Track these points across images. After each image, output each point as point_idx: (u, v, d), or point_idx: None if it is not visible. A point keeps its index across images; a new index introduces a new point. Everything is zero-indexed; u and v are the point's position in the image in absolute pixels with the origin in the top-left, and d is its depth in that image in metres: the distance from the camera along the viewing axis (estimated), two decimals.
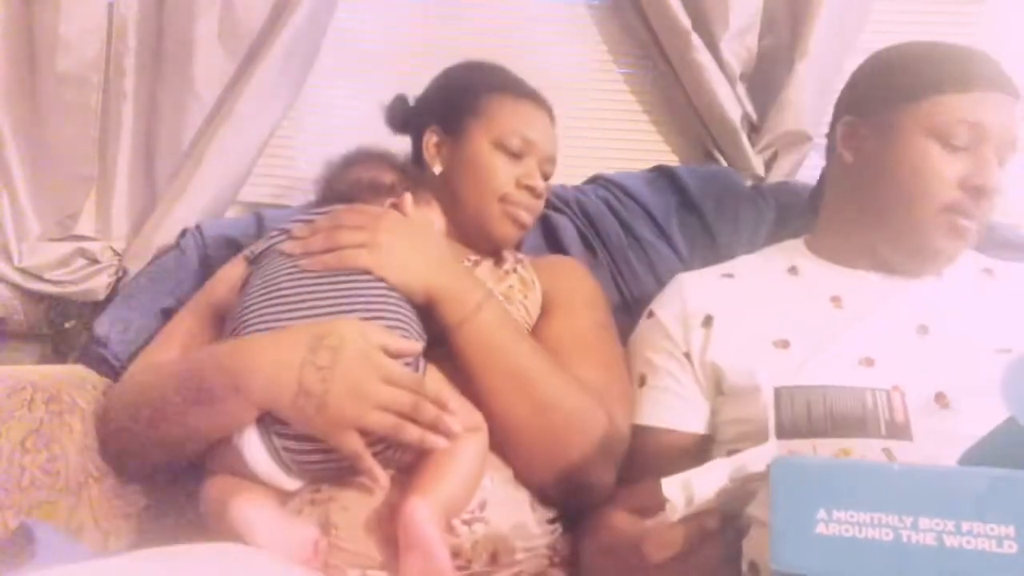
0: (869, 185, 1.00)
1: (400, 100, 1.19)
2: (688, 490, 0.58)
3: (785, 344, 0.92)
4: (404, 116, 1.18)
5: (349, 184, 1.02)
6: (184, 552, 0.67)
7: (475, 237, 1.10)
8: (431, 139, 1.12)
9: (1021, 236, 1.24)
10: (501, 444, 0.88)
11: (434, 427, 0.80)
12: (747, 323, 0.96)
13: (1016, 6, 1.52)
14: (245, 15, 1.46)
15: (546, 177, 1.13)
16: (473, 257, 1.10)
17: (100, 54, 1.47)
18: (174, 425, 0.84)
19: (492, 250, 1.12)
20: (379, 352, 0.80)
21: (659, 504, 0.60)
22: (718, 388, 0.96)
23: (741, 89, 1.43)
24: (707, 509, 0.59)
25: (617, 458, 0.92)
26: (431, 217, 1.04)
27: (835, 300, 0.96)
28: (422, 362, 0.86)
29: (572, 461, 0.88)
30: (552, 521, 0.91)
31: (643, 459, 0.94)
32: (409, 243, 0.91)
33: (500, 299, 0.97)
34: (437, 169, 1.11)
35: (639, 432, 0.97)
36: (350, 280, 0.88)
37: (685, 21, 1.41)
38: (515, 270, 1.08)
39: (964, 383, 0.84)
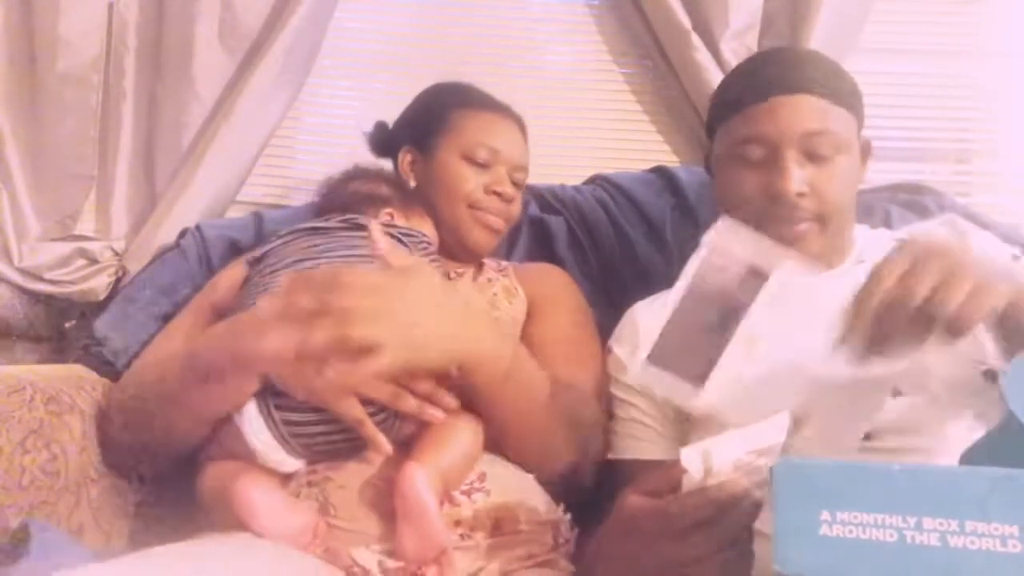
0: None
1: (380, 126, 1.26)
2: (707, 460, 0.58)
3: None
4: (384, 141, 1.24)
5: (348, 196, 1.07)
6: (197, 548, 0.67)
7: (452, 246, 1.14)
8: (405, 158, 1.18)
9: (1021, 236, 1.24)
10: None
11: (429, 399, 0.81)
12: None
13: (1016, 6, 1.52)
14: (245, 15, 1.46)
15: (517, 184, 1.17)
16: (459, 270, 1.13)
17: (100, 54, 1.47)
18: (178, 407, 0.85)
19: (471, 258, 1.16)
20: None
21: (675, 484, 0.60)
22: (682, 415, 0.97)
23: None
24: (734, 473, 0.59)
25: (596, 458, 0.96)
26: (425, 229, 1.07)
27: None
28: None
29: (566, 453, 0.92)
30: (556, 503, 0.92)
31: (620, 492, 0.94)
32: (425, 313, 0.79)
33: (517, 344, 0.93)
34: (411, 184, 1.16)
35: (614, 465, 0.98)
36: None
37: (685, 21, 1.41)
38: (498, 279, 1.12)
39: (913, 371, 0.84)
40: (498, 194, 1.13)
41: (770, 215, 0.92)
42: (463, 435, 0.84)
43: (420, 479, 0.76)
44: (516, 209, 1.18)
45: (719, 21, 1.41)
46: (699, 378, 0.68)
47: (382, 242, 0.82)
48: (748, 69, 1.01)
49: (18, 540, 0.80)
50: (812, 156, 0.93)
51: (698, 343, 0.68)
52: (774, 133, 0.93)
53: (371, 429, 0.79)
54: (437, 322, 0.79)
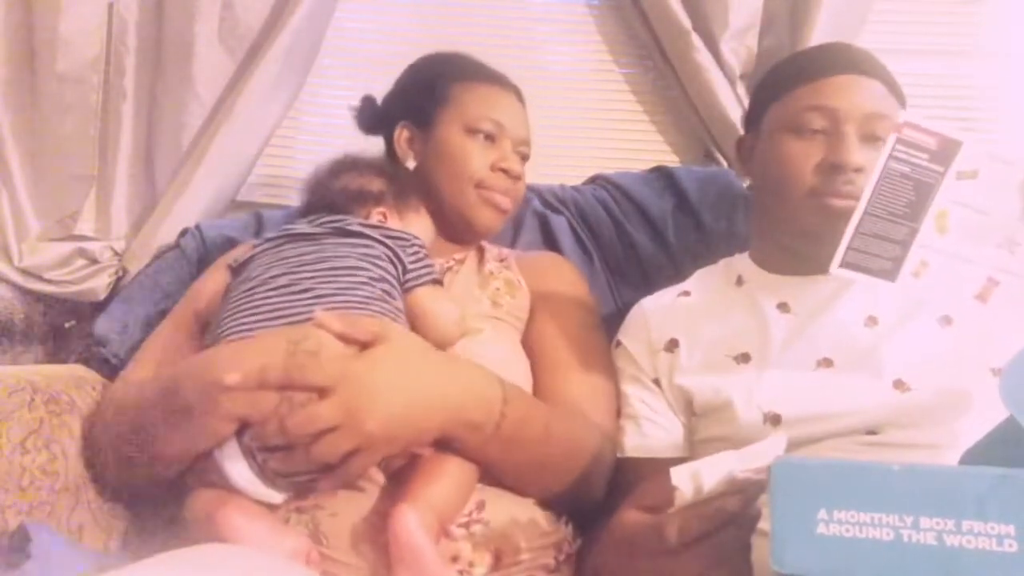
0: (758, 189, 1.05)
1: (368, 101, 1.18)
2: (697, 480, 0.57)
3: (746, 358, 0.93)
4: (374, 116, 1.17)
5: (336, 193, 1.01)
6: (194, 555, 0.67)
7: (457, 228, 1.09)
8: (402, 135, 1.11)
9: None
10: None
11: None
12: (707, 341, 0.97)
13: (1016, 6, 1.52)
14: (245, 15, 1.47)
15: (523, 158, 1.12)
16: (458, 256, 1.09)
17: (100, 54, 1.47)
18: (154, 443, 0.82)
19: (475, 239, 1.12)
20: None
21: (669, 500, 0.60)
22: (689, 409, 0.96)
23: (741, 89, 1.43)
24: (727, 492, 0.59)
25: (608, 470, 0.94)
26: (421, 230, 1.02)
27: (782, 307, 0.96)
28: None
29: (571, 484, 0.89)
30: (559, 517, 0.90)
31: (628, 489, 0.93)
32: (394, 386, 0.77)
33: (516, 393, 0.87)
34: (411, 164, 1.10)
35: (621, 463, 0.96)
36: (327, 284, 0.86)
37: (685, 21, 1.41)
38: (500, 272, 1.08)
39: (917, 365, 0.85)
40: (505, 171, 1.07)
41: (821, 189, 0.92)
42: (454, 466, 0.80)
43: (412, 521, 0.72)
44: (522, 187, 1.13)
45: (719, 21, 1.41)
46: (894, 266, 0.75)
47: (336, 325, 0.78)
48: (810, 52, 1.05)
49: (17, 542, 0.80)
50: (870, 139, 0.92)
51: (890, 234, 0.75)
52: (839, 106, 0.93)
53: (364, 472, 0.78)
54: (412, 399, 0.76)
